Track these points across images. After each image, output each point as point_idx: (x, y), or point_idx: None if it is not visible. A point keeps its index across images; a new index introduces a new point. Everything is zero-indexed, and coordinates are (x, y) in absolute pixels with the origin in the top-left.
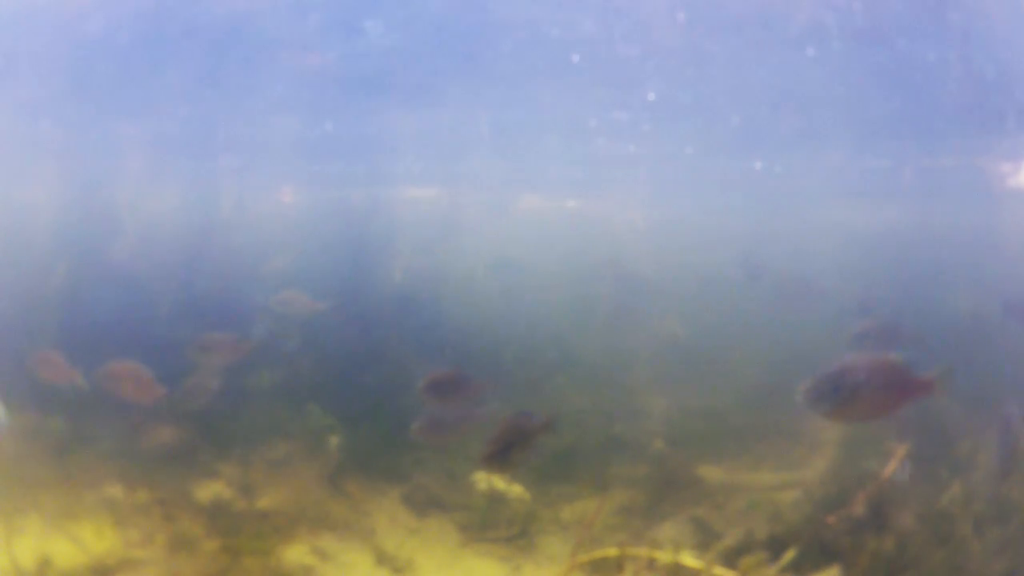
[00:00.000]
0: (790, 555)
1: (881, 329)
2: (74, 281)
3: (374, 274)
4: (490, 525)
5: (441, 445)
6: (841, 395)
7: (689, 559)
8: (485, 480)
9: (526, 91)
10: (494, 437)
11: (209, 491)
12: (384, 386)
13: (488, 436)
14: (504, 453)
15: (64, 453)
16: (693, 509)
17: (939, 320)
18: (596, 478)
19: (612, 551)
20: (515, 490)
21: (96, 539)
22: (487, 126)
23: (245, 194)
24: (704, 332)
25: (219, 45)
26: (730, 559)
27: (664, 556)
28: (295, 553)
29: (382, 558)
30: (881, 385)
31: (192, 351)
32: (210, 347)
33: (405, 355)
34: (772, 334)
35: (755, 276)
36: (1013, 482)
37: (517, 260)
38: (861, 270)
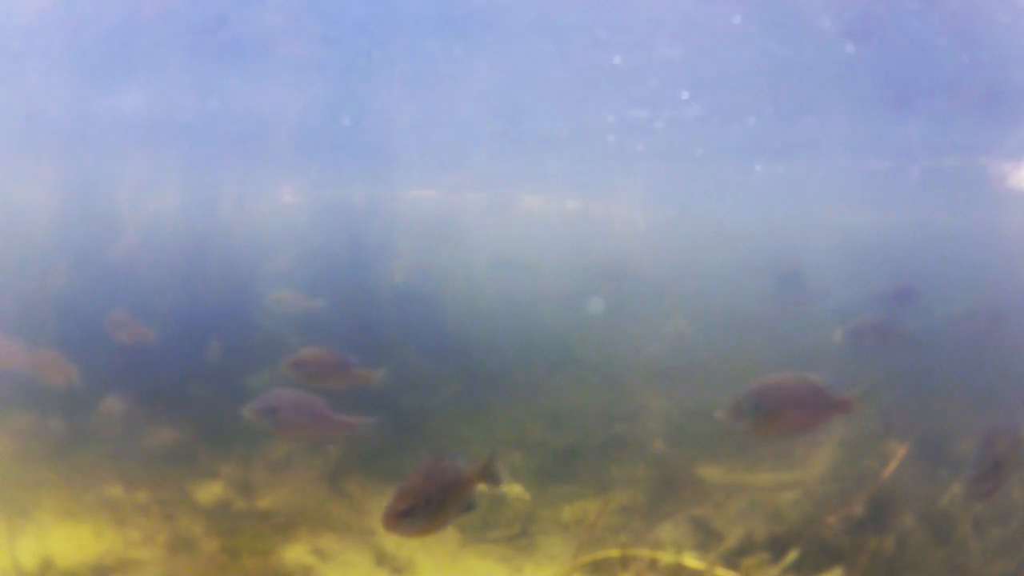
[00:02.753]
0: (792, 557)
1: (874, 327)
2: (72, 279)
3: (375, 273)
4: (490, 525)
5: (285, 437)
6: (760, 413)
7: (691, 560)
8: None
9: (531, 90)
10: (409, 489)
11: (209, 491)
12: (384, 385)
13: (402, 487)
14: (421, 511)
15: (64, 453)
16: (693, 509)
17: (936, 320)
18: (596, 478)
19: (613, 552)
20: (515, 490)
21: (96, 539)
22: (491, 125)
23: (245, 193)
24: (704, 332)
25: (218, 40)
26: (730, 560)
27: (665, 557)
28: (295, 553)
29: (382, 558)
30: (800, 404)
31: (105, 325)
32: (118, 324)
33: (406, 353)
34: (773, 333)
35: (786, 281)
36: (1013, 483)
37: (517, 259)
38: (861, 270)
